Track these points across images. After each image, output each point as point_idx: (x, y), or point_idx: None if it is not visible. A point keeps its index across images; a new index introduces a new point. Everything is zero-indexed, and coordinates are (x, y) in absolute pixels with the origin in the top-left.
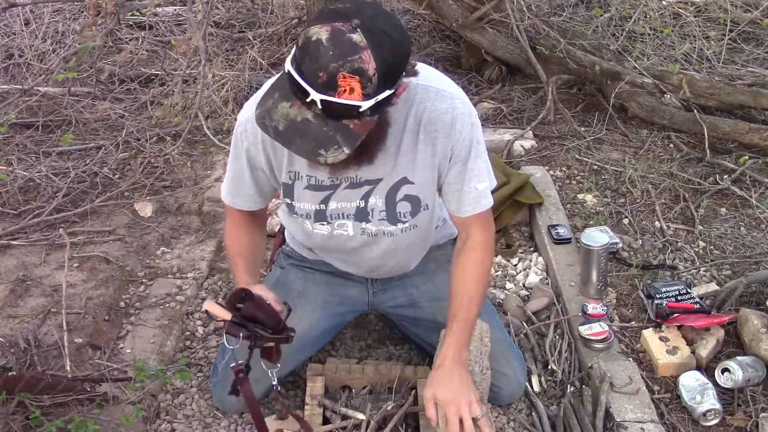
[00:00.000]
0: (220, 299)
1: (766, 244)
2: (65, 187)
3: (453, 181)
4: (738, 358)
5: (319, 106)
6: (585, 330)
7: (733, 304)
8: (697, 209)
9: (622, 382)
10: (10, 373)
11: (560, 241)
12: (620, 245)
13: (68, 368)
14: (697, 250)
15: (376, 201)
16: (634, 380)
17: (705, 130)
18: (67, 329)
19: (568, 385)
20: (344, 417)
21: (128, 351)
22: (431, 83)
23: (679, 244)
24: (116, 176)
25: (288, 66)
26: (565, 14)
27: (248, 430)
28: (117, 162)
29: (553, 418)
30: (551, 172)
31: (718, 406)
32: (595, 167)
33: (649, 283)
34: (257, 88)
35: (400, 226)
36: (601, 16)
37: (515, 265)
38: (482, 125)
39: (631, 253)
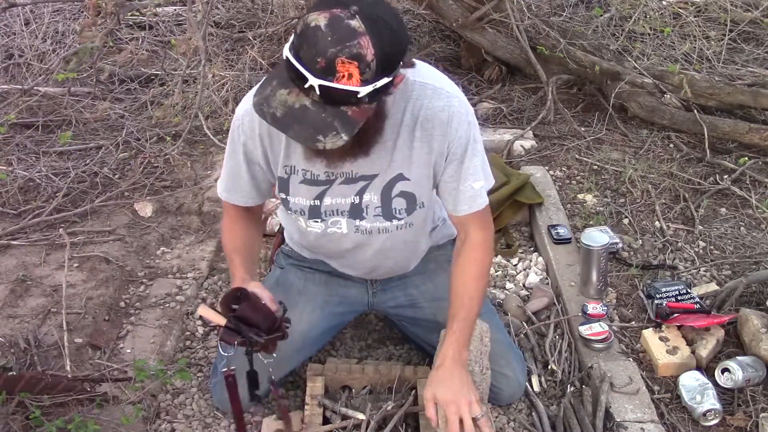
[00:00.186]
0: (217, 301)
1: (766, 244)
2: (65, 187)
3: (449, 179)
4: (738, 358)
5: (317, 92)
6: (585, 330)
7: (733, 304)
8: (697, 209)
9: (622, 382)
10: (10, 373)
11: (560, 241)
12: (620, 245)
13: (68, 368)
14: (697, 250)
15: (371, 197)
16: (634, 380)
17: (705, 130)
18: (67, 329)
19: (568, 385)
20: (344, 417)
21: (128, 351)
22: (429, 81)
23: (679, 244)
24: (116, 176)
25: (286, 52)
26: (565, 14)
27: (248, 430)
28: (117, 162)
29: (553, 418)
30: (551, 172)
31: (718, 406)
32: (595, 167)
33: (649, 283)
34: None
35: (395, 222)
36: (601, 16)
37: (515, 265)
38: (482, 125)
39: (631, 253)
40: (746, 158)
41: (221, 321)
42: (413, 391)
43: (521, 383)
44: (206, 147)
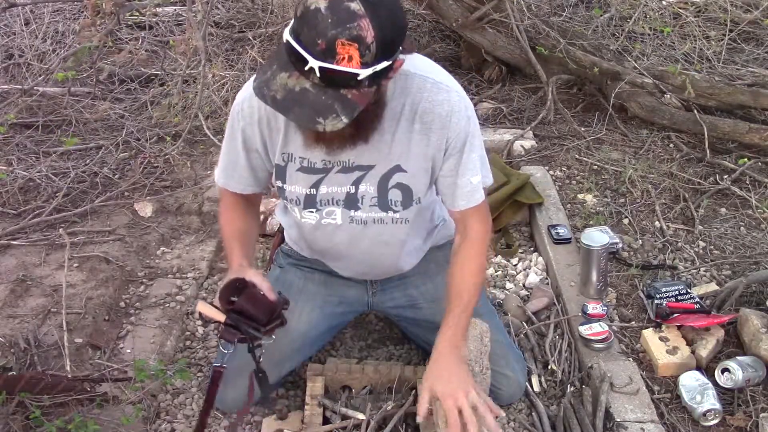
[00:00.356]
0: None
1: (766, 244)
2: (65, 187)
3: (448, 174)
4: (738, 358)
5: (318, 75)
6: (585, 330)
7: (733, 304)
8: (697, 209)
9: (622, 382)
10: (10, 373)
11: (560, 241)
12: (620, 245)
13: (68, 368)
14: (697, 250)
15: (367, 188)
16: (634, 380)
17: (705, 130)
18: (67, 329)
19: (568, 385)
20: (344, 417)
21: (128, 351)
22: (429, 74)
23: (679, 244)
24: (116, 176)
25: (286, 35)
26: (565, 14)
27: (248, 430)
28: (117, 162)
29: (553, 418)
30: (551, 172)
31: (718, 406)
32: (595, 167)
33: (649, 283)
34: None
35: (391, 214)
36: (601, 16)
37: (515, 265)
38: (482, 125)
39: (631, 253)
40: (746, 158)
41: (220, 317)
42: (413, 391)
43: (521, 383)
44: (206, 147)
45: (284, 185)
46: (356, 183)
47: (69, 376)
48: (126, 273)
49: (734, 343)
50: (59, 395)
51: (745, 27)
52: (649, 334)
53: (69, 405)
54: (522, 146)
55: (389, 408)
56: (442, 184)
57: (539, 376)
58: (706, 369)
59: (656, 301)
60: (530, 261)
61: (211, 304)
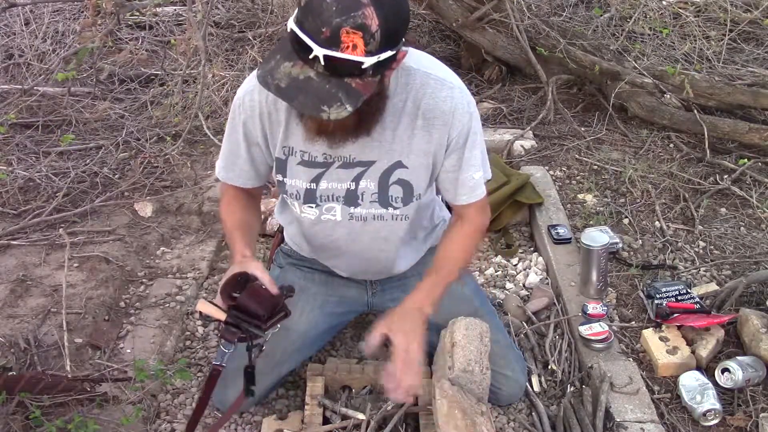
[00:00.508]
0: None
1: (766, 244)
2: (65, 187)
3: (450, 170)
4: (738, 358)
5: (322, 63)
6: (585, 330)
7: (733, 304)
8: (697, 209)
9: (622, 382)
10: (10, 373)
11: (560, 241)
12: (620, 245)
13: (68, 368)
14: (697, 250)
15: (368, 184)
16: (634, 380)
17: (705, 130)
18: (67, 329)
19: (568, 385)
20: (344, 417)
21: (128, 351)
22: (431, 71)
23: (679, 244)
24: (116, 176)
25: (291, 24)
26: (565, 14)
27: (248, 430)
28: (117, 162)
29: (553, 418)
30: (551, 172)
31: (718, 406)
32: (595, 167)
33: (649, 283)
34: None
35: (391, 210)
36: (601, 16)
37: (515, 265)
38: (482, 125)
39: (631, 253)
40: (746, 158)
41: (221, 316)
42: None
43: (521, 383)
44: (206, 147)
45: (284, 179)
46: (357, 179)
47: (69, 376)
48: (126, 273)
49: (734, 343)
50: (59, 395)
51: (745, 27)
52: (649, 334)
53: (69, 405)
54: (522, 146)
55: (389, 408)
56: (443, 179)
57: (539, 376)
58: (706, 369)
59: (656, 301)
60: (530, 261)
61: (211, 302)
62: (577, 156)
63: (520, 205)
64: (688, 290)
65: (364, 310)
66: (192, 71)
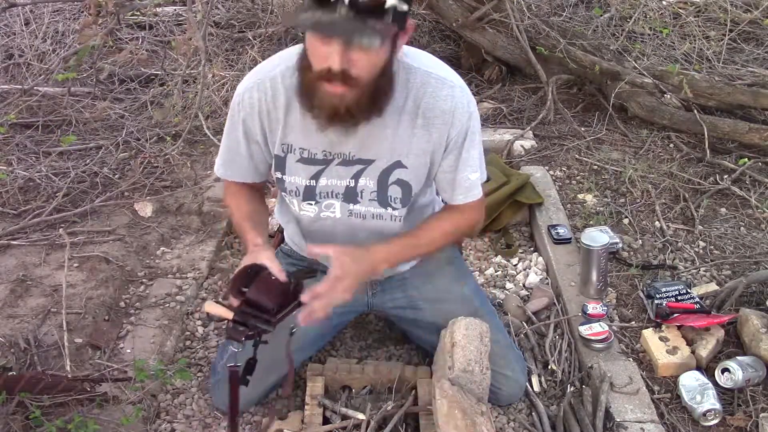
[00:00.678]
0: (221, 298)
1: (766, 244)
2: (65, 187)
3: (447, 169)
4: (738, 358)
5: (346, 3)
6: (585, 330)
7: (733, 304)
8: (697, 209)
9: (622, 382)
10: (10, 373)
11: (560, 241)
12: (620, 245)
13: (68, 368)
14: (697, 250)
15: (367, 182)
16: (634, 380)
17: (705, 130)
18: (67, 329)
19: (568, 385)
20: (344, 417)
21: (128, 351)
22: (433, 70)
23: (679, 244)
24: (116, 176)
25: None
26: (565, 14)
27: (248, 430)
28: (117, 162)
29: (553, 418)
30: (551, 172)
31: (718, 406)
32: (595, 167)
33: (649, 283)
34: None
35: (390, 210)
36: (601, 16)
37: (515, 265)
38: (482, 125)
39: (631, 253)
40: (746, 158)
41: (228, 315)
42: (413, 391)
43: (521, 383)
44: (206, 147)
45: (283, 176)
46: (356, 177)
47: (69, 376)
48: (126, 273)
49: (734, 343)
50: (59, 395)
51: (745, 27)
52: (649, 334)
53: (69, 405)
54: (522, 146)
55: (389, 408)
56: (441, 179)
57: (539, 376)
58: (706, 369)
59: (656, 301)
60: (530, 261)
61: (218, 302)
62: (577, 156)
63: (520, 205)
64: (688, 290)
65: (364, 310)
66: (192, 71)
